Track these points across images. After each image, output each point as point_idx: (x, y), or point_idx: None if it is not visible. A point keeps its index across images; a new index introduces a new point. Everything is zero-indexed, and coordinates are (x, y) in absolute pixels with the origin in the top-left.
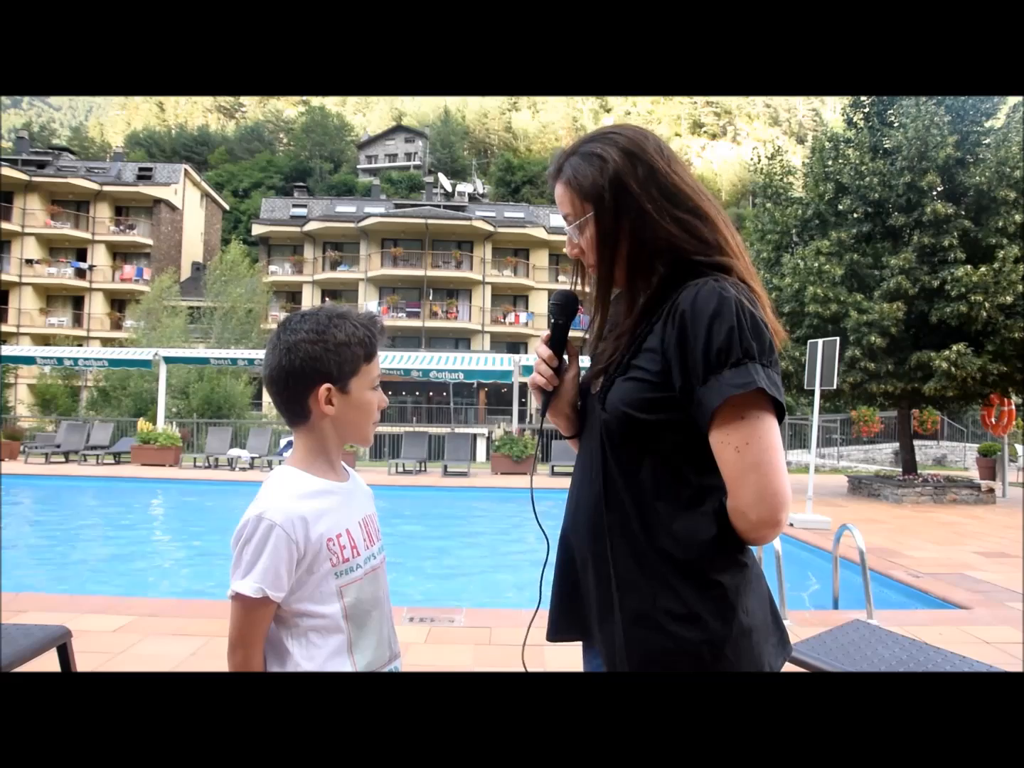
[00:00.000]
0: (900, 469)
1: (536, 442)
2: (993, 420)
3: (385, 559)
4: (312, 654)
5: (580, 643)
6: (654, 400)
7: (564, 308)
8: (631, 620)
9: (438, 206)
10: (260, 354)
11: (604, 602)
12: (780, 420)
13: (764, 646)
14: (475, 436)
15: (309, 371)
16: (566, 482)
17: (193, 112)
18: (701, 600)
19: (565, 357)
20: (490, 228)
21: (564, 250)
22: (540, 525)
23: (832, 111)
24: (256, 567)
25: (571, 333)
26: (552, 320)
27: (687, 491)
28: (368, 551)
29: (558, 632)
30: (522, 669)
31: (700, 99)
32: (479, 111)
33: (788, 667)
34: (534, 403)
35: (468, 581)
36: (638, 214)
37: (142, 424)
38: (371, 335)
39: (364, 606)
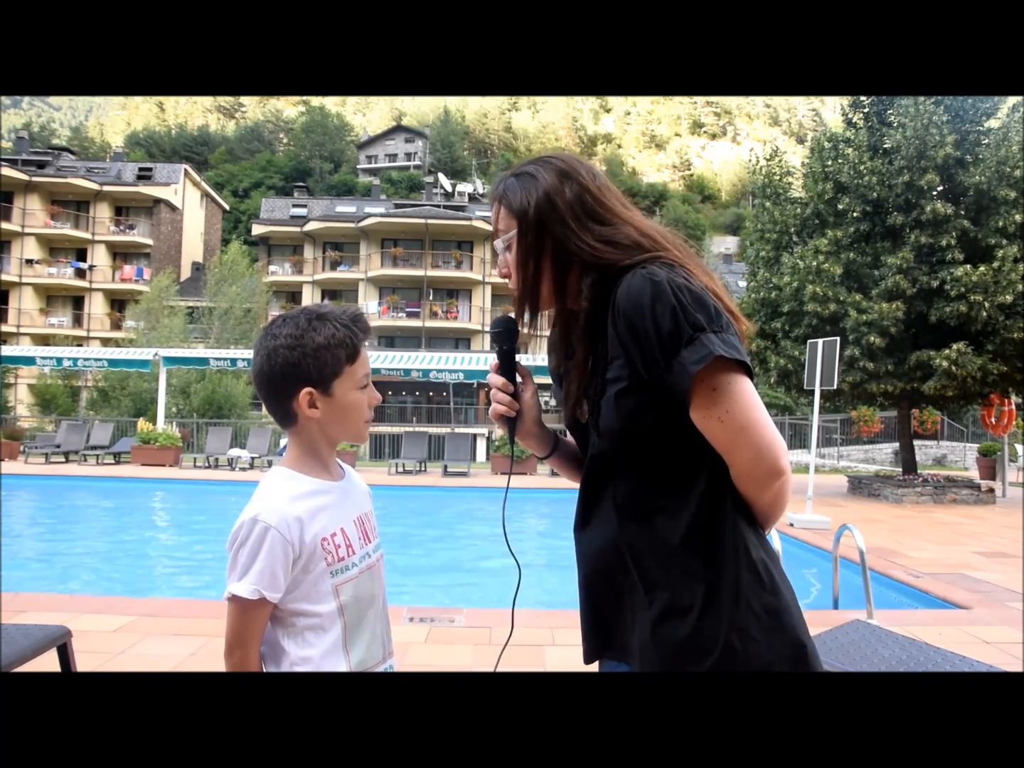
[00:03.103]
0: (900, 469)
1: (509, 475)
2: (993, 420)
3: (382, 557)
4: (308, 653)
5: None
6: (644, 404)
7: (505, 334)
8: (658, 620)
9: (438, 206)
10: None
11: (631, 608)
12: (751, 378)
13: (794, 620)
14: (475, 436)
15: (289, 377)
16: (566, 482)
17: (193, 112)
18: (725, 588)
19: (519, 380)
20: (490, 228)
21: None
22: (513, 555)
23: (832, 111)
24: (252, 569)
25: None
26: (496, 348)
27: (701, 482)
28: (363, 549)
29: (593, 653)
30: (522, 669)
31: (700, 99)
32: (479, 111)
33: None
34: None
35: (468, 581)
36: (561, 232)
37: (142, 424)
38: (353, 335)
39: (360, 604)
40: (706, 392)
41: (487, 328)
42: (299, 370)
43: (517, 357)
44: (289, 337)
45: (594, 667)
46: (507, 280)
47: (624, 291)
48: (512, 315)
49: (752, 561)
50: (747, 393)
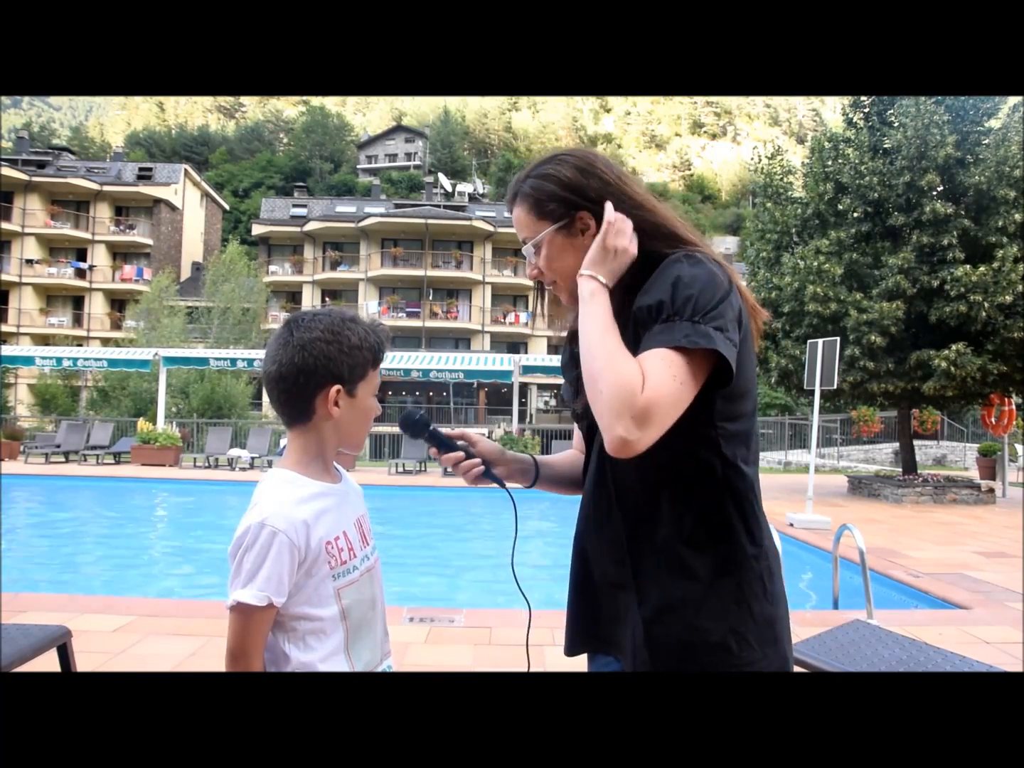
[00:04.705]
0: (900, 469)
1: (516, 519)
2: (993, 420)
3: (379, 559)
4: (310, 657)
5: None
6: None
7: (418, 426)
8: (654, 616)
9: (438, 206)
10: (260, 354)
11: (626, 604)
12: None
13: (786, 634)
14: None
15: (322, 370)
16: None
17: (193, 112)
18: (725, 589)
19: (461, 443)
20: (490, 228)
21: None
22: (522, 592)
23: (832, 111)
24: (259, 575)
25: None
26: (421, 439)
27: (706, 482)
28: (363, 552)
29: (576, 647)
30: (522, 669)
31: (700, 99)
32: (479, 111)
33: None
34: (534, 403)
35: (468, 581)
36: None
37: (142, 424)
38: (379, 341)
39: (361, 607)
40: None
41: (487, 328)
42: (333, 364)
43: (443, 430)
44: (327, 331)
45: (588, 665)
46: (538, 282)
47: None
48: (410, 408)
49: (758, 568)
50: (694, 371)
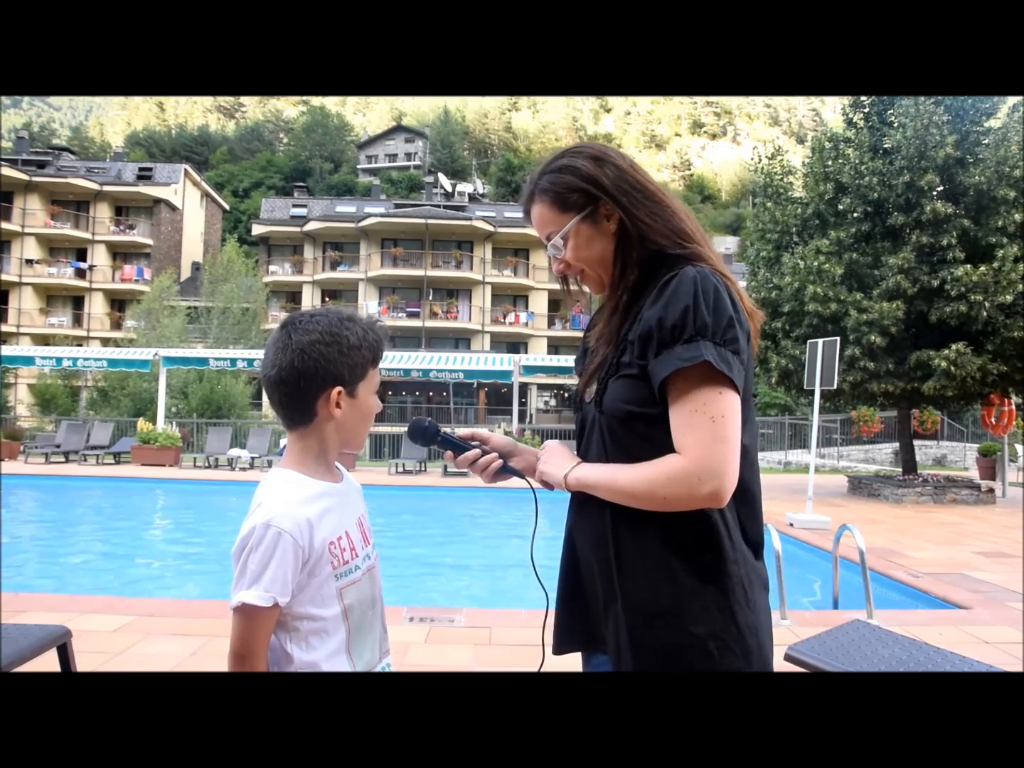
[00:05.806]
0: (900, 469)
1: (536, 511)
2: (993, 420)
3: (378, 558)
4: (312, 657)
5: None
6: (651, 392)
7: (427, 436)
8: (637, 619)
9: (438, 206)
10: (259, 354)
11: (609, 604)
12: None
13: (769, 644)
14: None
15: (323, 373)
16: None
17: (193, 112)
18: (708, 594)
19: (474, 443)
20: (490, 228)
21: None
22: (540, 582)
23: (832, 111)
24: (264, 576)
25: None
26: (435, 444)
27: None
28: (364, 551)
29: (563, 644)
30: (522, 669)
31: (700, 99)
32: (479, 111)
33: (788, 667)
34: (534, 403)
35: (468, 581)
36: (617, 210)
37: (142, 424)
38: (378, 340)
39: (362, 607)
40: (686, 387)
41: (487, 328)
42: (333, 366)
43: (452, 432)
44: (325, 333)
45: (583, 664)
46: (565, 275)
47: (662, 285)
48: (416, 417)
49: (742, 575)
50: (718, 403)
